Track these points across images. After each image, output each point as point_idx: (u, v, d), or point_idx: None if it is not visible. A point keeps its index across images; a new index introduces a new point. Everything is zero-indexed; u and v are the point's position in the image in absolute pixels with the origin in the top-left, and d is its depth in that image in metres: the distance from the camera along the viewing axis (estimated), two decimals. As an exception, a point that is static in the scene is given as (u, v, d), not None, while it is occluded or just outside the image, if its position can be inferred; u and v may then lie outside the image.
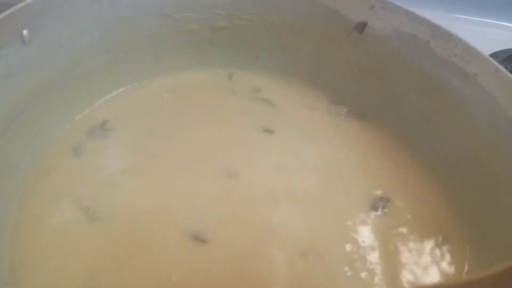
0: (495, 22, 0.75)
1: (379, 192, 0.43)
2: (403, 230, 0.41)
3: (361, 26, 0.49)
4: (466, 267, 0.39)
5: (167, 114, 0.46)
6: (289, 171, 0.43)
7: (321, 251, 0.37)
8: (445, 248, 0.40)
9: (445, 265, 0.39)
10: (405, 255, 0.39)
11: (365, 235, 0.40)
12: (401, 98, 0.49)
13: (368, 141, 0.48)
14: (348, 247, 0.38)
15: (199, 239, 0.37)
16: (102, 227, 0.37)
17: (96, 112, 0.46)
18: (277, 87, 0.52)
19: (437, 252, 0.40)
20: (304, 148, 0.46)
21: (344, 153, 0.46)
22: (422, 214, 0.42)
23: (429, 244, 0.40)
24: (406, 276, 0.38)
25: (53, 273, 0.34)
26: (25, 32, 0.38)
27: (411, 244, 0.40)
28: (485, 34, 0.72)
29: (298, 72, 0.53)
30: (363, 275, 0.37)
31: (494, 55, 0.63)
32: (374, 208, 0.42)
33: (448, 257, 0.40)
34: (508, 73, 0.39)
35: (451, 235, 0.41)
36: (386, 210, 0.42)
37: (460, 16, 0.72)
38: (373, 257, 0.38)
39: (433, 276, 0.38)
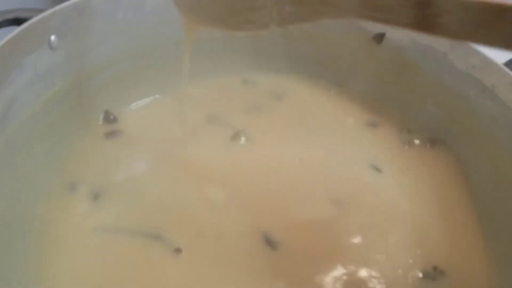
0: None
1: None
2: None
3: (380, 37, 0.49)
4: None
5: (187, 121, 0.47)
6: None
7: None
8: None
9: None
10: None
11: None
12: (419, 108, 0.50)
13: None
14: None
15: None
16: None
17: (119, 117, 0.46)
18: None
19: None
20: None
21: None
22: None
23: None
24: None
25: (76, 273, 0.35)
26: (53, 37, 0.39)
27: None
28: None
29: (317, 83, 0.53)
30: None
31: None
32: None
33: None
34: (526, 85, 0.40)
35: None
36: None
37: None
38: None
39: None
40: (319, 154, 0.45)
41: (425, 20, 0.23)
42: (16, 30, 0.36)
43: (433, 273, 0.38)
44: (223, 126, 0.48)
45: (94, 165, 0.42)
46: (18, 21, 0.38)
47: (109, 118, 0.46)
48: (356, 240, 0.39)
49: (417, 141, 0.48)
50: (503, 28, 0.22)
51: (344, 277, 0.36)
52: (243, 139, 0.46)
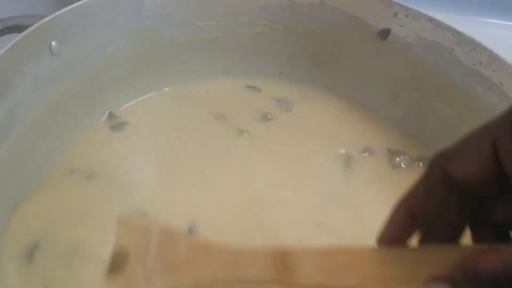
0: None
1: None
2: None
3: (385, 33, 0.48)
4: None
5: (188, 121, 0.47)
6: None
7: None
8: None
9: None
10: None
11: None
12: (426, 105, 0.48)
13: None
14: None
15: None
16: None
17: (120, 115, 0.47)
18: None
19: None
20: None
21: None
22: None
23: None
24: None
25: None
26: (53, 43, 0.40)
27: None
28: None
29: (321, 81, 0.53)
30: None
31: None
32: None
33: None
34: (534, 82, 0.38)
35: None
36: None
37: (488, 20, 0.70)
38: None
39: None
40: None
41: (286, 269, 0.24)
42: (17, 37, 0.37)
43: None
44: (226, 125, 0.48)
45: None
46: (18, 28, 0.39)
47: (112, 119, 0.47)
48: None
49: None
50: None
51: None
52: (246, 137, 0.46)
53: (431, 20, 0.45)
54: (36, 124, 0.40)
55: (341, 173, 0.45)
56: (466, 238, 0.23)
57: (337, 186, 0.44)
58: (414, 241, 0.24)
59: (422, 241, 0.23)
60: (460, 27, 0.44)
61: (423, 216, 0.22)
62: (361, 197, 0.43)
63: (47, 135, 0.41)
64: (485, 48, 0.42)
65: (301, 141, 0.47)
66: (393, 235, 0.23)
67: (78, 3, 0.40)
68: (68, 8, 0.40)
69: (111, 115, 0.47)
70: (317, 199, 0.42)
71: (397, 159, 0.47)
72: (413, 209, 0.22)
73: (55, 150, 0.43)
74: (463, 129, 0.44)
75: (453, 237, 0.22)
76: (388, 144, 0.48)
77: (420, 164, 0.47)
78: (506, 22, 0.70)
